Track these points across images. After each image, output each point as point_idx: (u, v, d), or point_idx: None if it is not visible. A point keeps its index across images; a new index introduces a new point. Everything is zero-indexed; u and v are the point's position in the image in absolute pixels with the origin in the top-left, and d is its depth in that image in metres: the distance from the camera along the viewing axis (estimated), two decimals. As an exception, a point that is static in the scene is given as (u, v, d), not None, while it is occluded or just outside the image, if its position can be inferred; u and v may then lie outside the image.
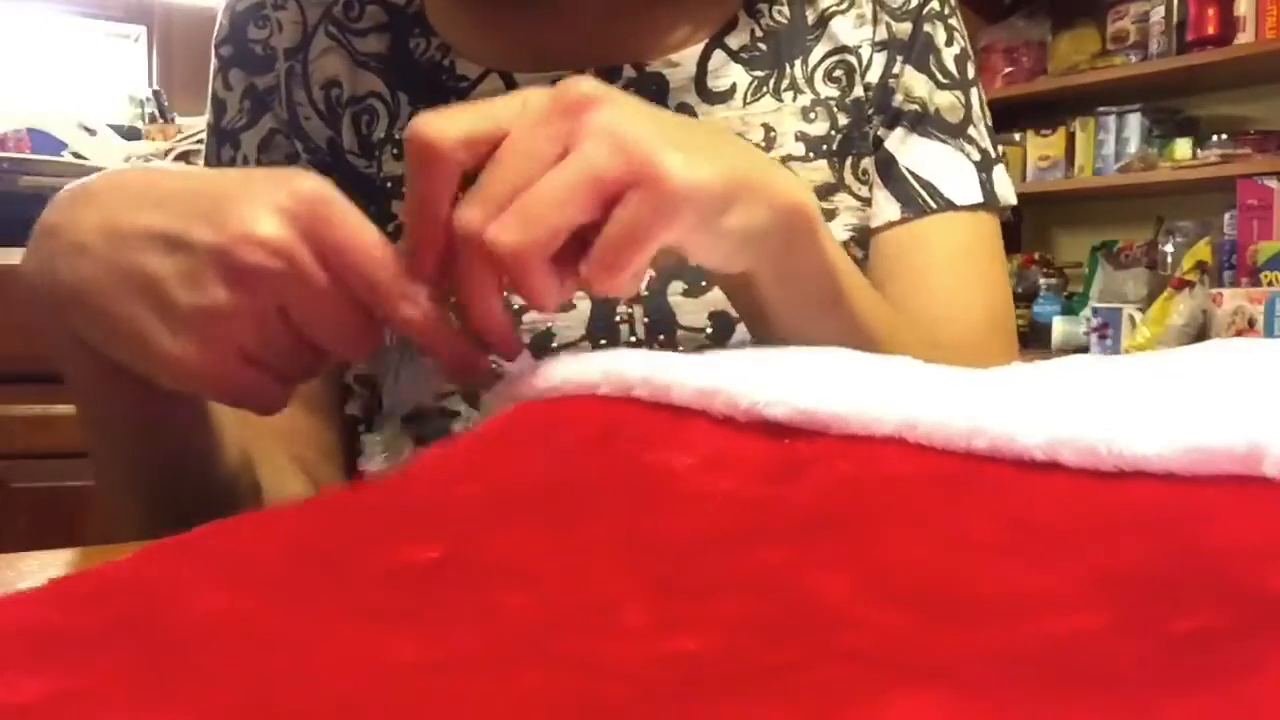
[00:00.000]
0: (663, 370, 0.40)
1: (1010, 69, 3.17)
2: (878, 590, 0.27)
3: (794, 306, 0.50)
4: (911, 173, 0.69)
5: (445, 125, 0.42)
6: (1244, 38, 2.77)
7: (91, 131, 2.13)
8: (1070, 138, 3.16)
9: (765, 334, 0.53)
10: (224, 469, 0.55)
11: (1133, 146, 3.04)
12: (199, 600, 0.28)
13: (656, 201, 0.40)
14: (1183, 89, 3.01)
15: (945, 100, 0.70)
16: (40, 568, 0.37)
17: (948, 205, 0.69)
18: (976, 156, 0.70)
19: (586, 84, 0.42)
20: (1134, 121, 3.05)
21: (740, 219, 0.44)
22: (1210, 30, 2.81)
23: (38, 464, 1.52)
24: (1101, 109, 3.09)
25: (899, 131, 0.70)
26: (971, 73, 0.72)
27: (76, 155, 2.07)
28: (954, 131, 0.70)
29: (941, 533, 0.30)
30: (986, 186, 0.70)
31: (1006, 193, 0.71)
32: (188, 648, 0.25)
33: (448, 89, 0.65)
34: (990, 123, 0.73)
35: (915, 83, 0.70)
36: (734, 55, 0.68)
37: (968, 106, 0.71)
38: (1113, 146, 3.08)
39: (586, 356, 0.44)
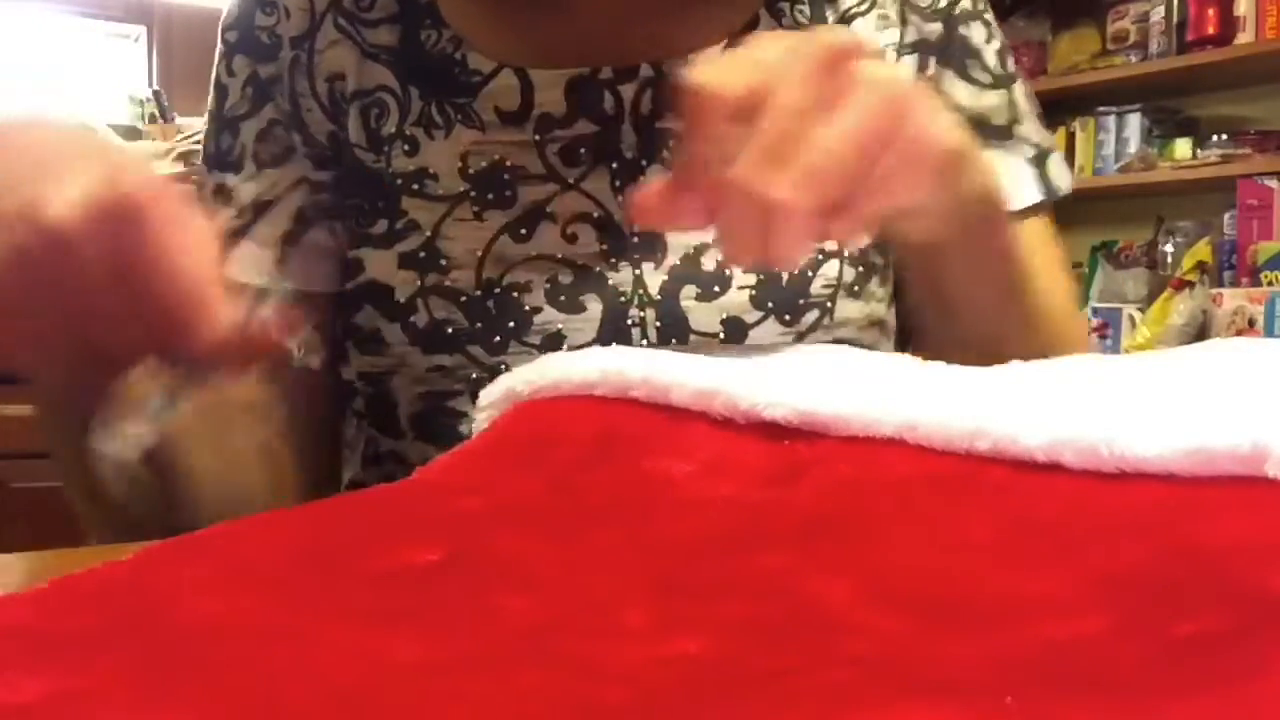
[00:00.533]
0: (662, 371, 0.40)
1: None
2: (878, 594, 0.27)
3: (977, 286, 0.53)
4: None
5: (728, 78, 0.42)
6: (1244, 38, 2.77)
7: (91, 131, 2.13)
8: (1070, 138, 3.16)
9: (942, 314, 0.55)
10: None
11: (1133, 146, 3.04)
12: (199, 601, 0.28)
13: (921, 159, 0.43)
14: (1183, 89, 3.01)
15: (991, 101, 0.68)
16: (40, 568, 0.37)
17: None
18: (1030, 153, 0.69)
19: (839, 32, 0.43)
20: (1134, 121, 3.04)
21: (963, 185, 0.47)
22: (1210, 30, 2.81)
23: (38, 464, 1.51)
24: (1101, 109, 3.09)
25: None
26: (1012, 66, 0.70)
27: (76, 155, 2.07)
28: (1002, 134, 0.68)
29: (942, 535, 0.30)
30: (1043, 181, 0.69)
31: (1062, 181, 0.70)
32: (188, 648, 0.25)
33: (460, 83, 0.64)
34: (1039, 109, 0.71)
35: (956, 91, 0.68)
36: None
37: (1013, 103, 0.69)
38: (1113, 146, 3.08)
39: (586, 355, 0.44)
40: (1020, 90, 0.70)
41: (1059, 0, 3.17)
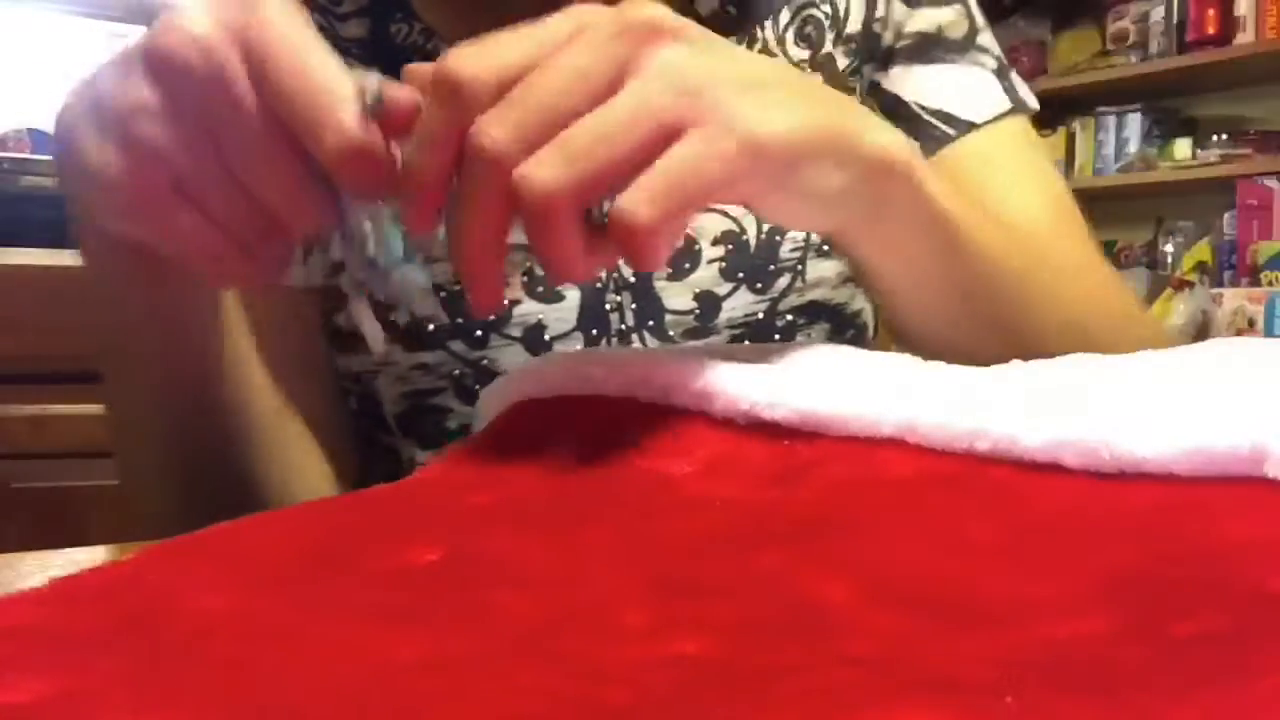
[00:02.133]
0: (662, 371, 0.40)
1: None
2: (878, 594, 0.27)
3: (902, 265, 0.47)
4: (921, 105, 0.65)
5: (481, 60, 0.37)
6: (1244, 38, 2.77)
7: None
8: (1070, 138, 3.16)
9: (880, 294, 0.50)
10: (246, 421, 0.54)
11: (1133, 146, 3.04)
12: (199, 601, 0.28)
13: (721, 152, 0.36)
14: (1183, 89, 3.01)
15: (945, 17, 0.66)
16: (40, 568, 0.37)
17: (968, 127, 0.65)
18: (993, 64, 0.67)
19: (656, 9, 0.37)
20: (1134, 121, 3.05)
21: (819, 178, 0.40)
22: (1210, 30, 2.82)
23: (38, 464, 1.52)
24: (1101, 109, 3.09)
25: (896, 70, 0.66)
26: None
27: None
28: (961, 47, 0.66)
29: (942, 536, 0.30)
30: (1011, 92, 0.66)
31: (1028, 97, 0.67)
32: (188, 648, 0.25)
33: None
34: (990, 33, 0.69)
35: (905, 18, 0.66)
36: (703, 22, 0.66)
37: (970, 15, 0.67)
38: (1113, 146, 3.08)
39: (585, 354, 0.44)
40: (974, 5, 0.68)
41: (1059, 0, 3.17)
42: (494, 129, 0.35)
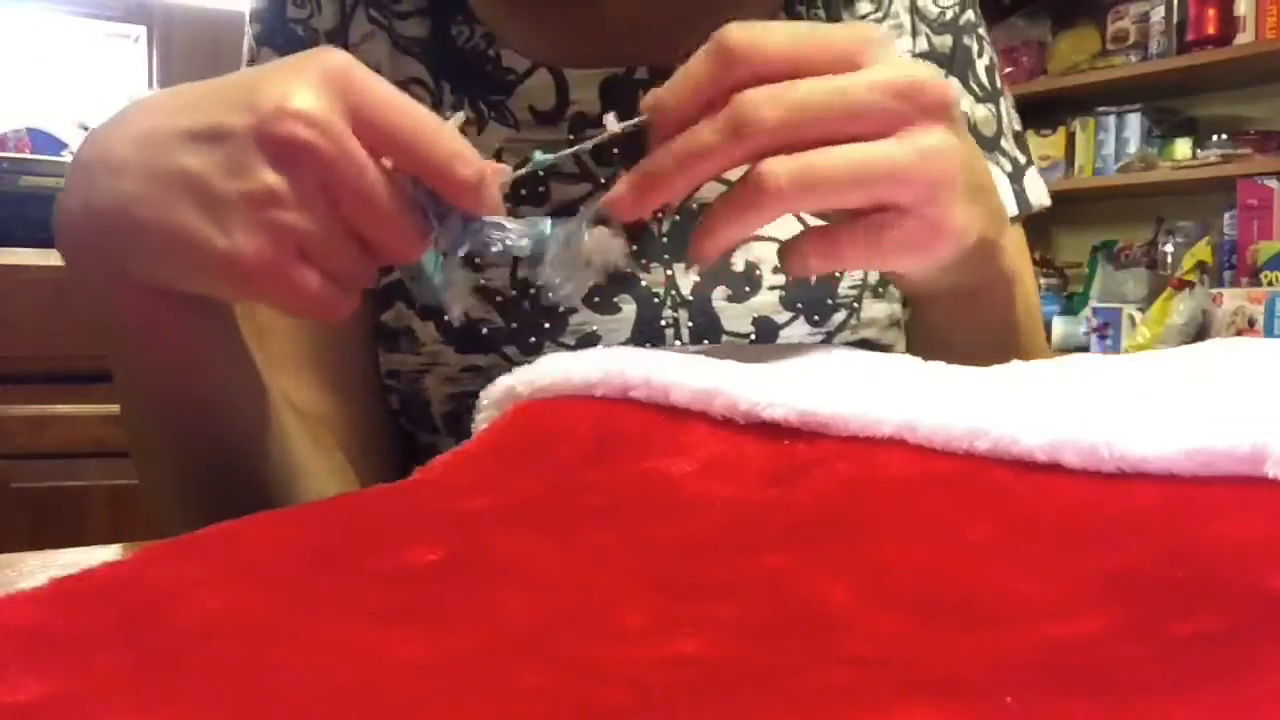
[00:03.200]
0: (662, 371, 0.40)
1: (1010, 69, 3.16)
2: (878, 594, 0.27)
3: (964, 315, 0.55)
4: None
5: (763, 38, 0.41)
6: (1244, 38, 2.77)
7: (91, 131, 2.13)
8: (1070, 138, 3.16)
9: (926, 329, 0.58)
10: (270, 443, 0.54)
11: (1133, 146, 3.04)
12: (199, 601, 0.28)
13: (925, 239, 0.43)
14: (1183, 89, 3.01)
15: (980, 114, 0.70)
16: (40, 568, 0.37)
17: None
18: (1009, 168, 0.70)
19: (948, 90, 0.43)
20: (1134, 121, 3.05)
21: (964, 274, 0.48)
22: (1210, 30, 2.81)
23: (38, 464, 1.52)
24: (1101, 109, 3.09)
25: None
26: (1000, 82, 0.72)
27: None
28: (988, 146, 0.70)
29: (942, 536, 0.30)
30: (1020, 197, 0.70)
31: (1039, 196, 0.71)
32: (188, 648, 0.25)
33: (494, 81, 0.64)
34: (1019, 126, 0.73)
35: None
36: None
37: (999, 118, 0.71)
38: (1113, 146, 3.08)
39: (586, 355, 0.44)
40: (1005, 107, 0.72)
41: (1059, 0, 3.17)
42: (768, 107, 0.40)
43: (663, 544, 0.31)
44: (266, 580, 0.30)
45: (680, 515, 0.34)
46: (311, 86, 0.40)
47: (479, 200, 0.42)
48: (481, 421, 0.46)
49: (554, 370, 0.44)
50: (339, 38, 0.65)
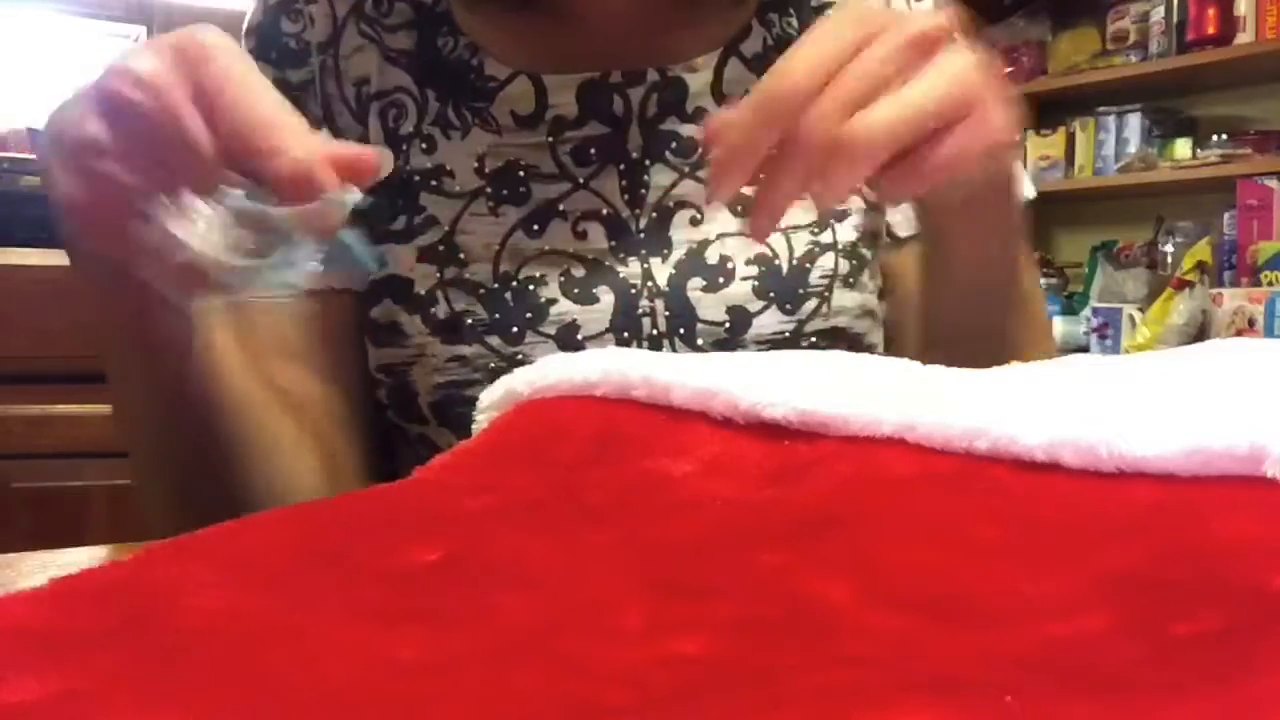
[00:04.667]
0: (662, 371, 0.40)
1: (1010, 69, 3.16)
2: (878, 594, 0.27)
3: (976, 265, 0.59)
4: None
5: (811, 65, 0.44)
6: (1244, 38, 2.77)
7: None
8: (1070, 138, 3.16)
9: (938, 285, 0.63)
10: (232, 428, 0.56)
11: (1133, 146, 3.04)
12: (199, 601, 0.28)
13: (984, 140, 0.47)
14: (1183, 89, 3.01)
15: None
16: (40, 568, 0.37)
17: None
18: None
19: (934, 21, 0.46)
20: (1134, 121, 3.05)
21: (1002, 169, 0.54)
22: (1210, 30, 2.81)
23: (38, 464, 1.52)
24: (1101, 109, 3.09)
25: None
26: None
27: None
28: None
29: (942, 535, 0.30)
30: None
31: (1026, 190, 0.72)
32: (188, 648, 0.25)
33: (476, 88, 0.66)
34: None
35: None
36: (748, 64, 0.69)
37: None
38: (1113, 146, 3.08)
39: (586, 355, 0.44)
40: None
41: (1059, 0, 3.17)
42: (824, 103, 0.44)
43: (663, 544, 0.31)
44: (266, 580, 0.30)
45: (680, 515, 0.34)
46: (156, 53, 0.42)
47: (295, 192, 0.42)
48: (482, 421, 0.46)
49: (555, 370, 0.44)
50: (330, 49, 0.67)
